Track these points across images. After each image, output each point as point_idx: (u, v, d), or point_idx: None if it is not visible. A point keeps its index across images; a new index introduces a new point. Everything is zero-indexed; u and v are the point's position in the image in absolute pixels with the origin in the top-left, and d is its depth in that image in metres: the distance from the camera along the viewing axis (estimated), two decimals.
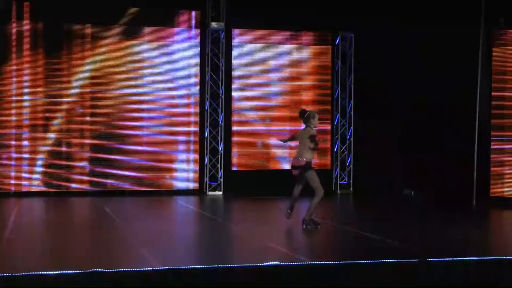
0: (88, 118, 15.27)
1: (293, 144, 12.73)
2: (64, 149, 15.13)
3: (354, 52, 16.79)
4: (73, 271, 6.65)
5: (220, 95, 15.95)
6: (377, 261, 7.56)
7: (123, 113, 15.42)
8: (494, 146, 14.40)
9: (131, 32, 15.46)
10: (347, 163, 16.94)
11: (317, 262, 7.50)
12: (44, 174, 15.03)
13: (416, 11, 15.10)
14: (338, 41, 16.77)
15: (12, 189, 14.89)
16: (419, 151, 15.41)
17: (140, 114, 15.54)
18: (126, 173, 15.39)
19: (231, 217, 13.22)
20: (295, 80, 16.50)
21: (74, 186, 15.19)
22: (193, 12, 15.81)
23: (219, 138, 15.95)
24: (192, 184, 15.86)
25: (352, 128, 16.87)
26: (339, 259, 7.99)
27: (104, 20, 15.30)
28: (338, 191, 16.72)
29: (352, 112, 16.88)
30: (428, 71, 15.25)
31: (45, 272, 6.59)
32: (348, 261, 7.68)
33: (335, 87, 16.82)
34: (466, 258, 7.77)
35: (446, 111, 15.00)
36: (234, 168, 16.19)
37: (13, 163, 14.85)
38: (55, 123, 15.07)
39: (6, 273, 6.57)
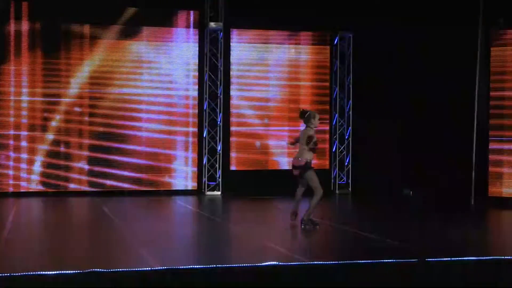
0: (86, 118, 15.26)
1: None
2: (62, 149, 15.12)
3: (352, 52, 16.79)
4: (71, 271, 6.64)
5: (219, 95, 15.94)
6: (375, 261, 7.56)
7: (121, 113, 15.42)
8: (492, 146, 14.40)
9: (130, 32, 15.46)
10: (346, 163, 16.94)
11: (315, 262, 7.49)
12: (43, 174, 15.02)
13: (414, 11, 15.11)
14: (337, 41, 16.78)
15: (11, 189, 14.88)
16: (418, 151, 15.41)
17: (139, 114, 15.54)
18: (125, 173, 15.39)
19: (229, 217, 13.21)
20: (293, 80, 16.50)
21: (72, 186, 15.19)
22: (192, 12, 15.81)
23: (218, 138, 15.94)
24: (191, 184, 15.86)
25: (350, 128, 16.88)
26: (337, 259, 7.99)
27: (102, 20, 15.29)
28: (337, 191, 16.72)
29: (350, 112, 16.89)
30: (427, 71, 15.25)
31: (43, 272, 6.58)
32: (347, 261, 7.68)
33: (333, 87, 16.82)
34: (464, 258, 7.77)
35: (445, 111, 15.01)
36: (233, 168, 16.19)
37: (11, 163, 14.84)
38: (53, 123, 15.06)
39: (4, 273, 6.56)
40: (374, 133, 16.17)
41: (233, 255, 8.66)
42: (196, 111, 15.86)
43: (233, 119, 16.16)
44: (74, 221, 12.11)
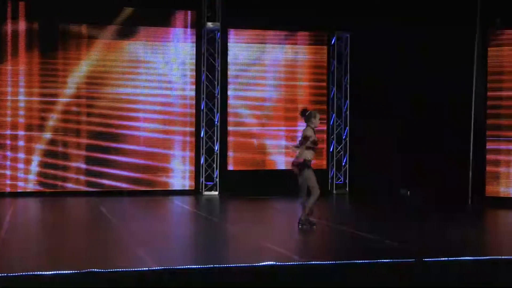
0: (83, 118, 15.25)
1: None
2: (59, 149, 15.11)
3: (349, 52, 16.79)
4: (69, 271, 6.64)
5: (216, 95, 15.94)
6: (372, 261, 7.56)
7: (119, 113, 15.41)
8: (489, 146, 14.41)
9: (127, 32, 15.45)
10: (343, 163, 16.94)
11: (312, 262, 7.50)
12: (40, 174, 15.00)
13: (412, 11, 15.11)
14: (334, 41, 16.78)
15: (8, 189, 14.86)
16: (416, 151, 15.42)
17: (136, 114, 15.53)
18: (122, 173, 15.38)
19: (227, 217, 13.21)
20: (291, 80, 16.50)
21: (69, 186, 15.17)
22: (189, 12, 15.81)
23: (215, 138, 15.94)
24: (188, 184, 15.86)
25: (348, 128, 16.88)
26: (334, 259, 8.00)
27: (99, 20, 15.28)
28: (334, 191, 16.72)
29: (348, 112, 16.89)
30: (424, 71, 15.26)
31: (40, 272, 6.58)
32: (344, 261, 7.69)
33: (330, 87, 16.83)
34: (461, 258, 7.78)
35: (442, 111, 15.02)
36: (230, 168, 16.19)
37: (8, 163, 14.83)
38: (50, 123, 15.04)
39: (1, 273, 6.56)
40: (371, 133, 16.17)
41: (230, 255, 8.66)
42: (194, 111, 15.86)
43: (230, 119, 16.16)
44: (71, 221, 12.10)
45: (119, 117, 15.40)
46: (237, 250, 8.99)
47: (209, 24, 15.52)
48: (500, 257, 8.01)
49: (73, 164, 15.17)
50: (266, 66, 16.41)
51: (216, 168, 15.95)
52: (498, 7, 14.05)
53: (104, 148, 15.29)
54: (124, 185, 15.40)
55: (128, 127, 15.45)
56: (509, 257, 8.02)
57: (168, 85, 15.72)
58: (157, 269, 6.97)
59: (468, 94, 14.13)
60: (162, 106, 15.67)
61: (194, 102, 15.86)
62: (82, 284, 6.52)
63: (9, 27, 14.76)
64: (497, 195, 14.32)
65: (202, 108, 15.84)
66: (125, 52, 15.46)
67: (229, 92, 16.16)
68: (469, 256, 7.89)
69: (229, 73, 16.16)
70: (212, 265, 7.08)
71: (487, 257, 8.03)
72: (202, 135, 15.85)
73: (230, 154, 16.18)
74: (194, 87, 15.87)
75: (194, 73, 15.86)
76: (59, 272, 6.61)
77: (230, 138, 16.17)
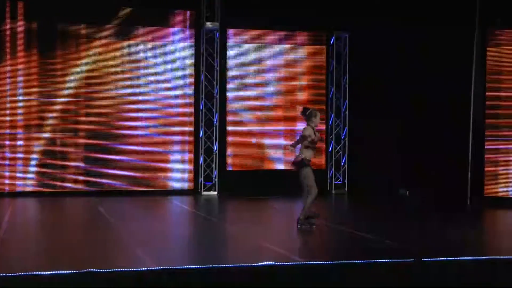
0: (82, 118, 15.25)
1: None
2: (58, 149, 15.10)
3: (348, 52, 16.80)
4: (67, 271, 6.64)
5: (215, 95, 15.94)
6: (371, 261, 7.56)
7: (117, 113, 15.40)
8: (488, 145, 14.42)
9: (126, 32, 15.45)
10: (342, 163, 16.94)
11: (311, 262, 7.50)
12: (39, 174, 15.00)
13: (410, 11, 15.12)
14: (333, 41, 16.78)
15: (7, 189, 14.85)
16: (415, 151, 15.42)
17: (135, 113, 15.53)
18: (121, 173, 15.37)
19: (225, 217, 13.21)
20: (290, 80, 16.50)
21: (68, 186, 15.17)
22: (188, 12, 15.81)
23: (214, 138, 15.94)
24: (187, 184, 15.85)
25: (347, 128, 16.88)
26: (333, 259, 8.00)
27: (98, 20, 15.27)
28: (333, 191, 16.73)
29: (347, 112, 16.89)
30: (424, 71, 15.25)
31: (39, 272, 6.57)
32: (343, 261, 7.69)
33: (329, 87, 16.83)
34: (460, 258, 7.78)
35: (441, 110, 15.02)
36: (229, 168, 16.19)
37: (7, 163, 14.82)
38: (49, 123, 15.04)
39: (0, 273, 6.55)
40: (370, 133, 16.17)
41: (229, 255, 8.66)
42: (192, 111, 15.86)
43: (229, 119, 16.16)
44: (70, 221, 12.09)
45: (118, 117, 15.39)
46: (236, 250, 8.99)
47: (208, 24, 15.52)
48: (498, 257, 8.01)
49: (72, 164, 15.17)
50: (265, 66, 16.41)
51: (215, 168, 15.95)
52: (497, 7, 14.05)
53: (103, 148, 15.28)
54: (123, 185, 15.39)
55: (127, 127, 15.45)
56: (507, 257, 8.02)
57: (167, 85, 15.72)
58: (156, 269, 6.97)
59: (467, 94, 14.14)
60: (161, 106, 15.67)
61: (193, 102, 15.86)
62: (80, 284, 6.51)
63: (8, 27, 14.76)
64: (495, 195, 14.32)
65: (201, 108, 15.84)
66: (124, 52, 15.46)
67: (228, 92, 16.16)
68: (468, 256, 7.89)
69: (228, 73, 16.16)
70: (211, 265, 7.08)
71: (486, 257, 8.03)
72: (201, 135, 15.84)
73: (229, 154, 16.18)
74: (193, 87, 15.87)
75: (193, 73, 15.86)
76: (58, 272, 6.60)
77: (229, 138, 16.17)
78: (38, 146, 14.94)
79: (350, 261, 7.59)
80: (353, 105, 16.78)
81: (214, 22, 15.52)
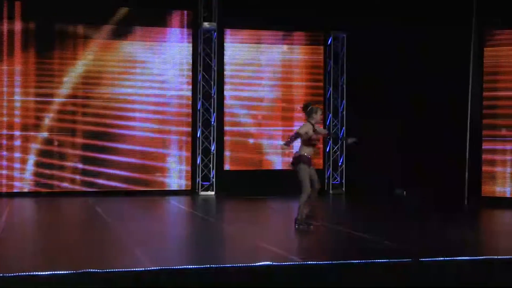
0: (79, 118, 15.24)
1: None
2: (56, 149, 15.09)
3: (346, 52, 16.82)
4: (65, 272, 6.63)
5: (212, 95, 15.94)
6: (369, 261, 7.56)
7: (115, 113, 15.40)
8: (486, 145, 14.44)
9: (123, 32, 15.44)
10: (340, 163, 16.96)
11: (309, 262, 7.49)
12: (36, 174, 14.98)
13: (408, 11, 15.12)
14: (330, 41, 16.80)
15: (4, 189, 14.84)
16: (412, 151, 15.43)
17: (132, 113, 15.52)
18: (118, 172, 15.37)
19: (223, 217, 13.21)
20: (287, 80, 16.51)
21: (65, 186, 15.15)
22: (185, 12, 15.80)
23: (211, 138, 15.93)
24: (184, 184, 15.85)
25: (344, 128, 16.89)
26: (331, 259, 8.00)
27: (95, 20, 15.27)
28: (330, 191, 16.74)
29: (344, 112, 16.91)
30: (421, 71, 15.26)
31: (36, 273, 6.56)
32: (340, 261, 7.68)
33: (327, 87, 16.84)
34: (457, 258, 7.78)
35: (439, 110, 15.02)
36: (227, 168, 16.19)
37: (4, 163, 14.81)
38: (46, 123, 15.03)
39: None
40: (368, 133, 16.12)
41: (227, 255, 8.65)
42: (190, 111, 15.85)
43: (226, 119, 16.16)
44: (67, 221, 12.08)
45: (116, 117, 15.39)
46: (233, 250, 8.99)
47: (206, 24, 15.52)
48: (496, 257, 8.01)
49: (69, 164, 15.16)
50: (263, 66, 16.41)
51: (213, 168, 15.95)
52: (494, 7, 14.06)
53: (100, 148, 15.28)
54: (120, 185, 15.38)
55: (124, 127, 15.44)
56: (505, 257, 8.03)
57: (164, 85, 15.72)
58: (154, 269, 6.96)
59: (464, 94, 14.15)
60: (158, 106, 15.66)
61: (190, 102, 15.85)
62: (78, 284, 6.50)
63: (5, 27, 14.75)
64: (493, 195, 14.35)
65: (198, 108, 15.84)
66: (121, 52, 15.45)
67: (226, 92, 16.16)
68: (466, 256, 7.89)
69: (226, 73, 16.16)
70: (208, 265, 7.07)
71: (483, 257, 8.03)
72: (198, 135, 15.84)
73: (227, 154, 16.18)
74: (190, 87, 15.86)
75: (191, 73, 15.86)
76: (55, 272, 6.59)
77: (227, 138, 16.16)
78: (35, 146, 14.93)
79: (348, 261, 7.58)
80: (350, 105, 16.80)
81: (211, 22, 15.53)
